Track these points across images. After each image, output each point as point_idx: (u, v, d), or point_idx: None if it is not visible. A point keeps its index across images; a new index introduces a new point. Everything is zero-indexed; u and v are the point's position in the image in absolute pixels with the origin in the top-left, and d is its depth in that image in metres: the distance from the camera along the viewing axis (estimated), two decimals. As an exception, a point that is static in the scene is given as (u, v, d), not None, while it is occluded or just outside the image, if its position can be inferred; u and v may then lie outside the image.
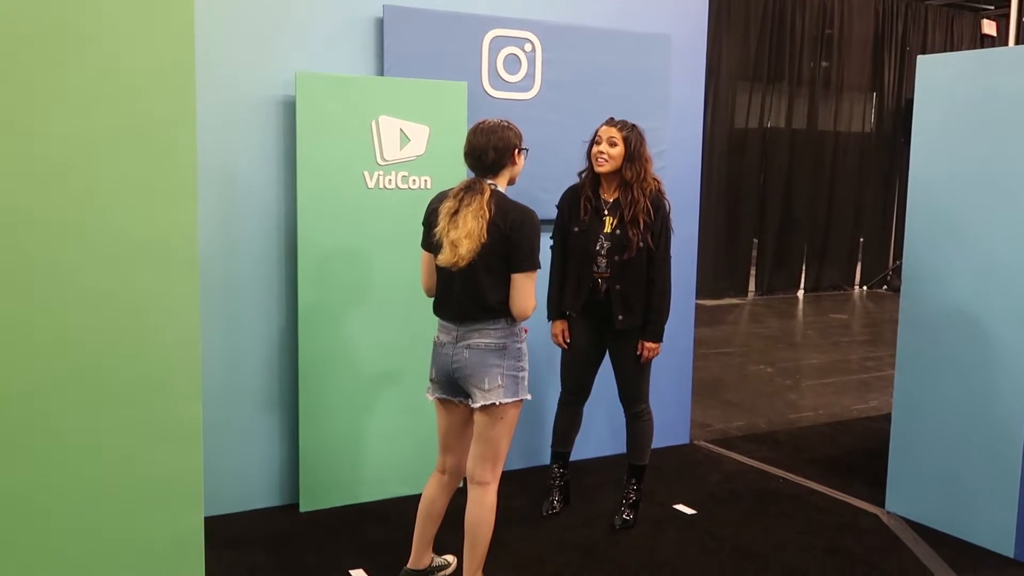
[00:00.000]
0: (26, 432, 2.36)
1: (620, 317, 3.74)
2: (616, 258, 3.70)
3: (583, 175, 3.83)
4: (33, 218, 2.32)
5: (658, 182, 3.77)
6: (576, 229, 3.76)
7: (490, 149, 3.00)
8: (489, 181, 3.03)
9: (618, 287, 3.72)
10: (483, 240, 2.92)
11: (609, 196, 3.76)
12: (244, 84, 3.81)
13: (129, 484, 2.49)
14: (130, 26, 2.38)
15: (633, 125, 3.72)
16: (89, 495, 2.45)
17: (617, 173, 3.71)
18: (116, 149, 2.39)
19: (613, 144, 3.67)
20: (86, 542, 2.46)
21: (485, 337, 3.02)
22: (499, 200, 2.99)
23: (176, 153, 2.46)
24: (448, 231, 2.96)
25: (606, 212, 3.74)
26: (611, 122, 3.72)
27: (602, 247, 3.72)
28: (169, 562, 2.56)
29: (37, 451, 2.38)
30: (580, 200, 3.78)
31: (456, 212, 2.96)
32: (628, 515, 3.94)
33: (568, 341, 3.90)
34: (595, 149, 3.71)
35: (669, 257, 3.80)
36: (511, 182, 3.13)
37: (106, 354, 2.42)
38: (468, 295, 3.02)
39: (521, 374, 3.07)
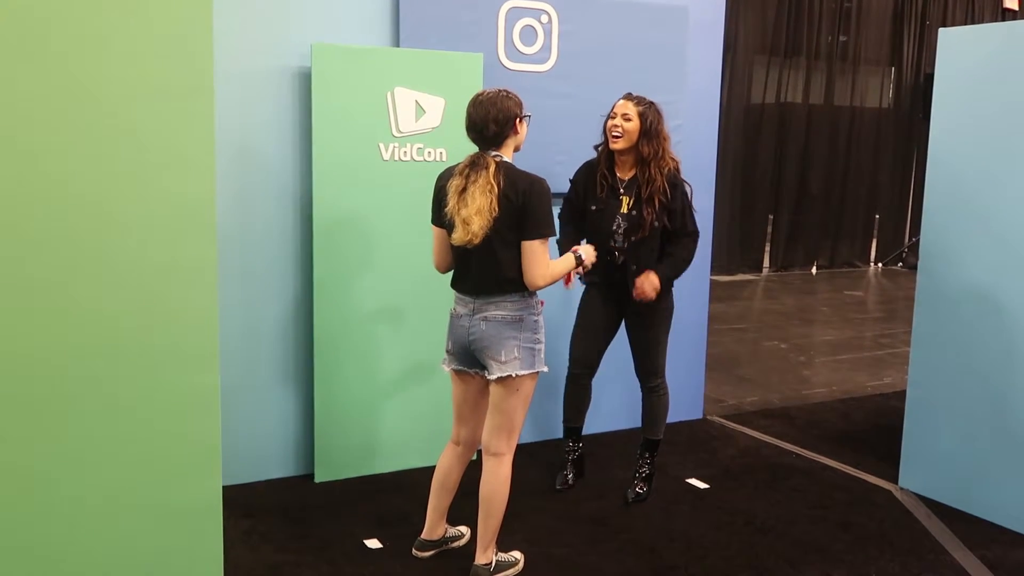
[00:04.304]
0: (45, 401, 2.38)
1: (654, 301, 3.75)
2: (632, 238, 3.68)
3: (599, 149, 3.80)
4: (50, 189, 2.33)
5: (676, 161, 3.73)
6: (593, 207, 3.73)
7: (490, 122, 2.98)
8: (493, 153, 3.01)
9: (635, 268, 3.71)
10: (495, 214, 2.92)
11: (625, 175, 3.72)
12: (260, 55, 3.79)
13: (148, 453, 2.51)
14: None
15: (651, 102, 3.67)
16: (109, 464, 2.47)
17: (632, 150, 3.66)
18: (134, 119, 2.39)
19: (627, 119, 3.62)
20: (106, 510, 2.49)
21: (502, 309, 3.02)
22: (507, 171, 2.98)
23: (194, 123, 2.45)
24: (459, 209, 2.96)
25: (622, 191, 3.71)
26: (628, 97, 3.68)
27: (619, 227, 3.70)
28: (188, 529, 2.59)
29: (56, 420, 2.40)
30: (596, 176, 3.75)
31: (464, 189, 2.96)
32: (641, 488, 3.95)
33: (582, 310, 3.90)
34: (610, 123, 3.67)
35: (696, 233, 3.76)
36: (516, 150, 3.12)
37: (125, 324, 2.44)
38: (485, 270, 3.02)
39: (538, 346, 3.07)
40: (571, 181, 3.87)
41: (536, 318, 3.08)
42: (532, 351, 3.06)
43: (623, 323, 3.92)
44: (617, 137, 3.63)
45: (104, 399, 2.44)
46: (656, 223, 3.65)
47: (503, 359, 3.02)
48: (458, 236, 2.97)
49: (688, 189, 3.76)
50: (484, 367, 3.09)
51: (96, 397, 2.43)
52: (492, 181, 2.92)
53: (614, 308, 3.87)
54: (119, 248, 2.41)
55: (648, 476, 3.99)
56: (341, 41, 3.89)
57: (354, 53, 3.84)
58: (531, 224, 2.96)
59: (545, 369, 3.12)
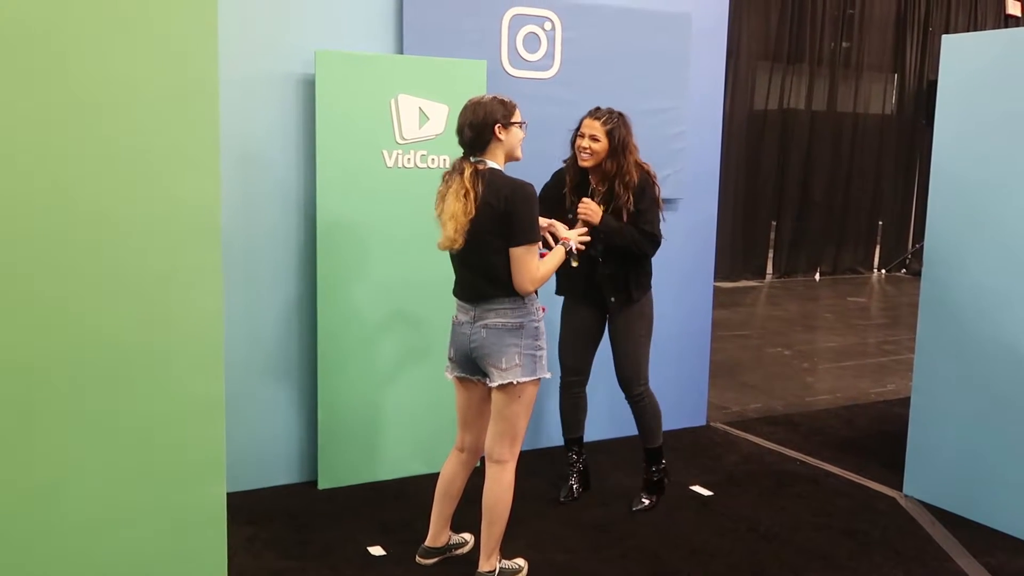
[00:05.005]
0: (49, 408, 2.38)
1: (612, 299, 3.74)
2: (601, 248, 3.65)
3: (567, 162, 3.77)
4: (57, 194, 2.33)
5: (643, 167, 3.67)
6: (570, 216, 3.69)
7: (465, 127, 3.00)
8: (476, 159, 3.02)
9: (607, 272, 3.71)
10: (470, 216, 2.93)
11: (599, 184, 3.69)
12: (264, 61, 3.81)
13: (152, 459, 2.51)
14: (154, 3, 2.39)
15: (619, 115, 3.62)
16: (113, 470, 2.47)
17: (601, 165, 3.64)
18: (140, 124, 2.40)
19: (595, 140, 3.59)
20: (110, 516, 2.49)
21: (502, 317, 3.03)
22: (491, 177, 2.98)
23: (198, 129, 2.46)
24: (440, 215, 3.01)
25: (598, 201, 3.67)
26: (595, 114, 3.63)
27: (595, 232, 3.65)
28: (192, 536, 2.59)
29: (60, 427, 2.40)
30: (566, 192, 3.71)
31: (445, 196, 3.00)
32: (646, 499, 3.92)
33: (565, 318, 3.90)
34: (578, 143, 3.64)
35: (655, 237, 3.65)
36: (511, 157, 3.09)
37: (129, 329, 2.44)
38: (478, 276, 3.04)
39: (539, 353, 3.07)
40: (546, 184, 3.79)
41: (537, 324, 3.08)
42: (533, 357, 3.06)
43: (606, 332, 3.90)
44: (586, 158, 3.62)
45: (108, 405, 2.45)
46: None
47: (504, 366, 3.02)
48: (440, 241, 3.02)
49: (657, 192, 3.68)
50: (486, 374, 3.09)
51: (100, 403, 2.44)
52: (467, 185, 2.94)
53: (596, 314, 3.86)
54: (123, 253, 2.42)
55: (654, 484, 3.95)
56: (345, 48, 3.90)
57: (358, 60, 3.85)
58: (515, 231, 2.96)
59: (547, 375, 3.12)
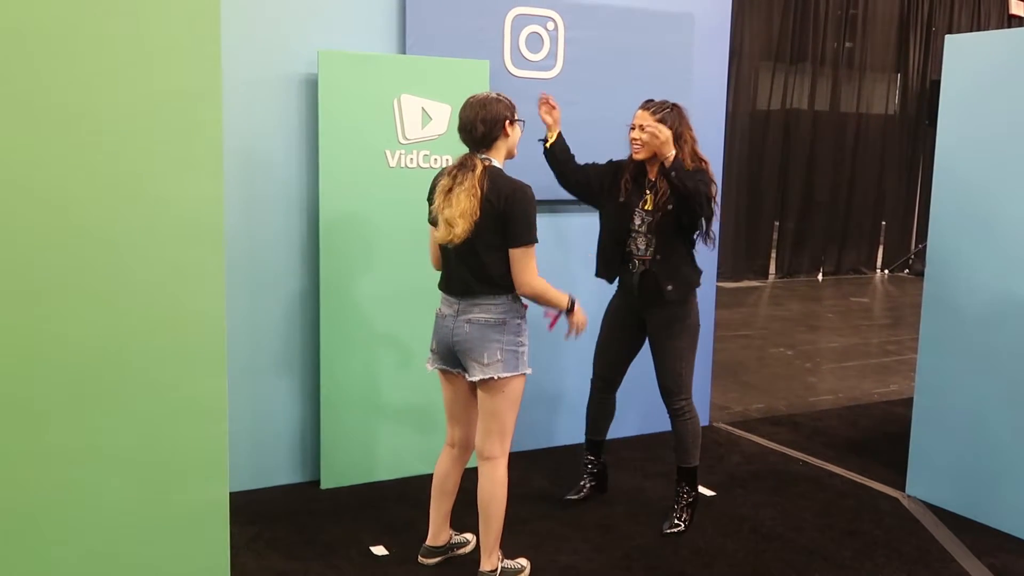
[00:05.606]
0: (52, 407, 2.38)
1: (669, 288, 3.57)
2: (651, 237, 3.60)
3: (627, 160, 3.70)
4: (59, 196, 2.34)
5: (701, 159, 3.61)
6: (621, 200, 3.65)
7: (478, 122, 3.00)
8: (483, 156, 3.03)
9: (659, 257, 3.59)
10: (476, 217, 2.93)
11: (653, 175, 3.63)
12: (266, 62, 3.81)
13: (155, 458, 2.51)
14: (156, 3, 2.39)
15: (672, 105, 3.58)
16: (115, 470, 2.47)
17: (655, 156, 3.57)
18: (142, 124, 2.40)
19: (644, 131, 3.55)
20: (112, 516, 2.49)
21: (486, 312, 3.03)
22: (493, 176, 2.99)
23: (202, 129, 2.46)
24: (443, 209, 2.99)
25: (647, 190, 3.62)
26: (646, 105, 3.60)
27: (643, 223, 3.61)
28: (194, 535, 2.59)
29: (63, 426, 2.40)
30: (621, 179, 3.67)
31: (450, 190, 2.99)
32: (679, 519, 3.74)
33: (605, 323, 3.84)
34: (631, 135, 3.59)
35: (711, 201, 3.54)
36: (509, 155, 3.12)
37: (133, 330, 2.44)
38: (468, 271, 3.04)
39: (521, 349, 3.08)
40: (612, 160, 3.76)
41: (519, 321, 3.09)
42: (515, 353, 3.06)
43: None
44: (638, 149, 3.58)
45: (111, 404, 2.45)
46: (673, 219, 3.55)
47: (486, 361, 3.02)
48: (440, 235, 3.01)
49: (712, 187, 3.59)
50: (467, 369, 3.10)
51: (103, 402, 2.44)
52: (477, 185, 2.94)
53: (637, 326, 3.77)
54: (126, 254, 2.42)
55: (687, 506, 3.77)
56: (347, 48, 3.91)
57: (361, 60, 3.85)
58: (513, 232, 2.97)
59: (529, 371, 3.12)
